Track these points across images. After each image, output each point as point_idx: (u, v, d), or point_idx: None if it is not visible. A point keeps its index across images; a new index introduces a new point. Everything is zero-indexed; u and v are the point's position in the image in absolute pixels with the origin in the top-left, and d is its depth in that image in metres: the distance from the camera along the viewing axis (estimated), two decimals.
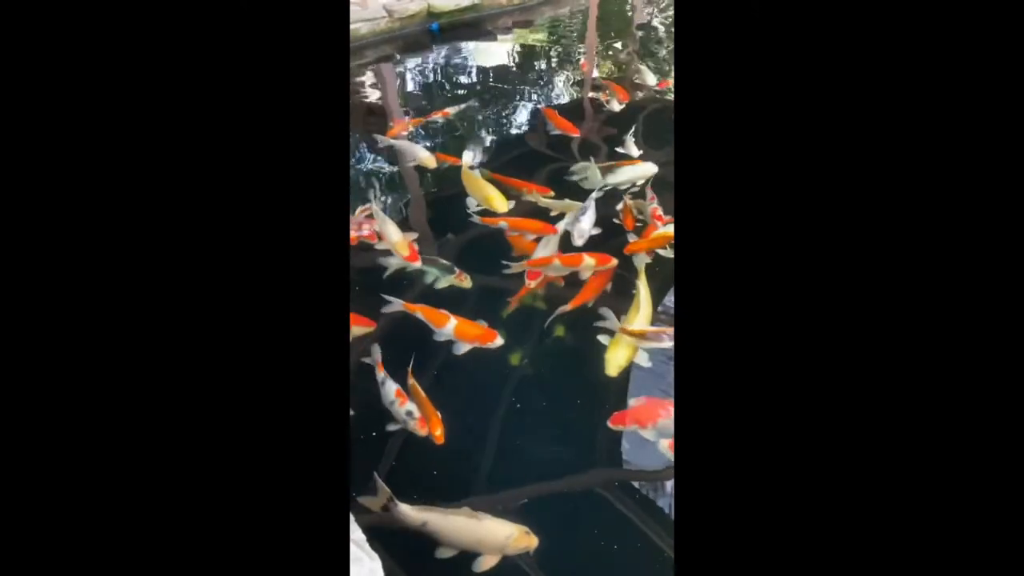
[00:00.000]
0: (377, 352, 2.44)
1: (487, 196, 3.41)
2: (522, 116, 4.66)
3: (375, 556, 1.44)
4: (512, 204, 3.38)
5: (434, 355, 2.55)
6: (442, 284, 2.85)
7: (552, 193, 3.44)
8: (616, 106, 4.46)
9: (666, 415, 2.20)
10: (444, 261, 2.92)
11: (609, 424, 2.22)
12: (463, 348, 2.53)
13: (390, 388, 2.29)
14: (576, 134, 4.13)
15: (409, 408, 2.21)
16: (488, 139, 4.33)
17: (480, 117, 4.62)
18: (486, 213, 3.31)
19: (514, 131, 4.46)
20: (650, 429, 2.19)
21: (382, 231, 3.08)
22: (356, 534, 1.48)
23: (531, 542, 1.87)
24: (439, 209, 3.58)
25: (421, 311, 2.64)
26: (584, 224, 2.98)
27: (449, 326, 2.58)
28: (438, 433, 2.17)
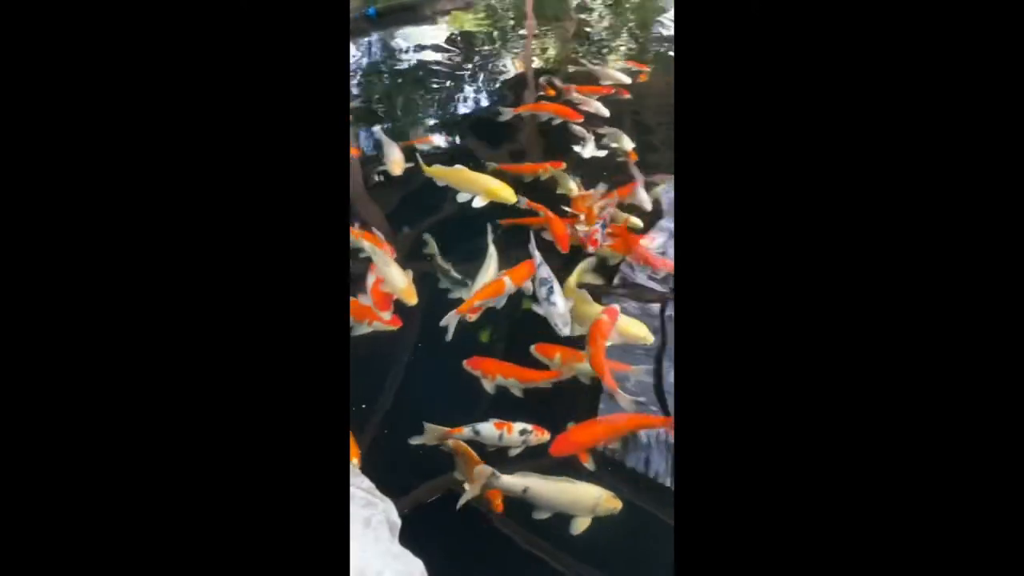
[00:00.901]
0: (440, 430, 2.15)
1: (490, 189, 2.96)
2: (463, 103, 4.68)
3: (387, 499, 1.57)
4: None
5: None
6: (453, 295, 2.73)
7: (563, 166, 3.25)
8: (603, 111, 4.02)
9: (507, 372, 2.33)
10: (455, 274, 2.75)
11: (464, 365, 2.37)
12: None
13: (485, 427, 2.09)
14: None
15: (520, 427, 2.09)
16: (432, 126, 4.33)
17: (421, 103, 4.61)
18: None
19: (455, 116, 4.50)
20: (489, 380, 2.33)
21: (384, 275, 2.61)
22: (366, 483, 1.61)
23: (617, 505, 1.94)
24: (398, 203, 3.37)
25: (477, 299, 2.49)
26: (560, 306, 2.45)
27: (508, 286, 2.54)
28: (499, 502, 1.98)
